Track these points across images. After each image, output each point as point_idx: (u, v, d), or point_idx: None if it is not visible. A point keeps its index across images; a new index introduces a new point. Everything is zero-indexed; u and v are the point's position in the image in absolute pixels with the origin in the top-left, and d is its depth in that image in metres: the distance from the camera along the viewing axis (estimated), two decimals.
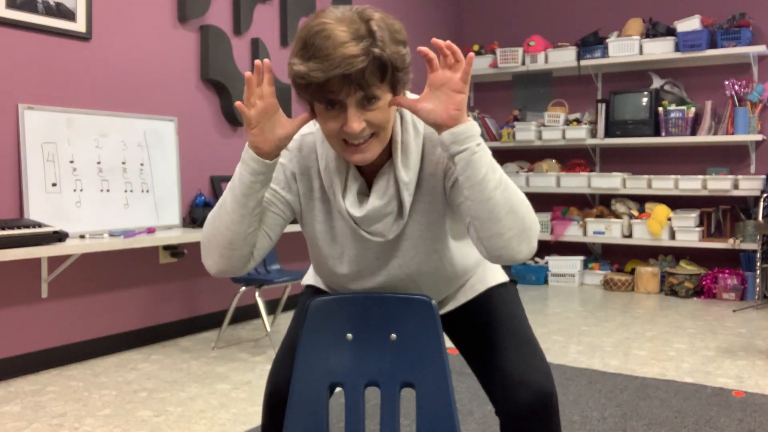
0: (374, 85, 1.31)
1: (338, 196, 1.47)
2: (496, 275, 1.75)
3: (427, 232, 1.53)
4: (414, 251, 1.54)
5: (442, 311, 1.71)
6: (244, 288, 3.92)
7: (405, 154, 1.46)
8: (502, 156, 6.97)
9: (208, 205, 4.39)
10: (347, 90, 1.30)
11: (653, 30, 5.97)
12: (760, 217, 5.36)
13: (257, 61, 1.35)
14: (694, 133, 5.84)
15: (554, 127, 6.36)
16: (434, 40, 1.31)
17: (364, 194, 1.49)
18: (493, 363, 1.55)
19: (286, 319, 4.88)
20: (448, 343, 4.14)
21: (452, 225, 1.57)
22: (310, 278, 1.83)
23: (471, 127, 1.34)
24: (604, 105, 6.16)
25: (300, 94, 1.36)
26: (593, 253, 6.53)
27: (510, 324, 1.62)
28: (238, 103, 1.37)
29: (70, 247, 3.30)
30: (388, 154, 1.48)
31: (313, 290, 1.77)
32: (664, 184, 5.84)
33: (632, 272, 6.14)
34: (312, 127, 1.54)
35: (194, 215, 4.32)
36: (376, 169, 1.49)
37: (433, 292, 1.64)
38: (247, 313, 4.86)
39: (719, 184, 5.63)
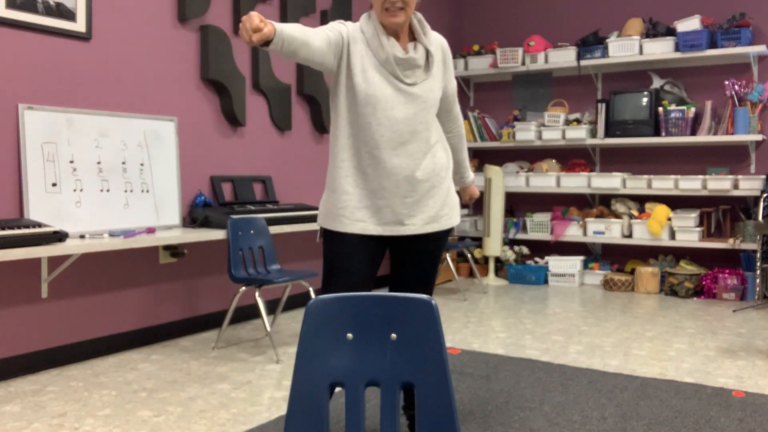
0: None
1: (387, 48, 2.28)
2: (458, 212, 2.55)
3: (435, 98, 2.39)
4: (426, 105, 2.35)
5: (421, 225, 2.41)
6: (244, 288, 3.92)
7: (424, 33, 2.39)
8: (502, 156, 6.97)
9: (208, 205, 4.39)
10: None
11: (653, 30, 5.97)
12: (760, 217, 5.36)
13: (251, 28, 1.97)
14: (694, 133, 5.84)
15: (554, 127, 6.36)
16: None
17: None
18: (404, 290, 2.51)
19: (286, 319, 4.89)
20: (456, 339, 4.14)
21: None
22: (327, 216, 2.40)
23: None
24: (604, 105, 6.16)
25: None
26: (593, 253, 6.53)
27: (436, 271, 2.56)
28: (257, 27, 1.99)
29: (70, 247, 3.30)
30: (409, 41, 2.38)
31: (326, 233, 2.41)
32: (664, 184, 5.85)
33: (632, 272, 6.15)
34: (363, 22, 2.35)
35: (194, 215, 4.32)
36: (404, 46, 2.35)
37: (416, 162, 2.37)
38: (247, 313, 4.86)
39: (719, 184, 5.63)
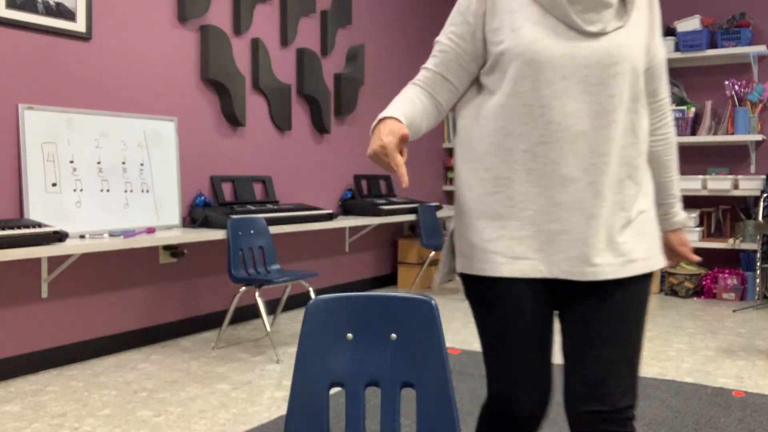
0: None
1: None
2: (659, 252, 1.58)
3: (638, 58, 1.49)
4: (621, 68, 1.46)
5: (599, 274, 1.48)
6: (244, 288, 3.92)
7: None
8: None
9: (208, 205, 4.39)
10: None
11: None
12: (760, 217, 5.36)
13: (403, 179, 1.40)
14: (694, 133, 5.84)
15: None
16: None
17: None
18: (593, 367, 1.51)
19: (285, 319, 4.89)
20: (456, 339, 4.14)
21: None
22: (467, 254, 1.58)
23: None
24: None
25: None
26: None
27: (633, 336, 1.52)
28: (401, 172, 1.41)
29: (70, 247, 3.30)
30: None
31: (468, 282, 1.61)
32: None
33: None
34: None
35: (194, 215, 4.32)
36: None
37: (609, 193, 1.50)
38: (247, 313, 4.86)
39: (719, 184, 5.63)
